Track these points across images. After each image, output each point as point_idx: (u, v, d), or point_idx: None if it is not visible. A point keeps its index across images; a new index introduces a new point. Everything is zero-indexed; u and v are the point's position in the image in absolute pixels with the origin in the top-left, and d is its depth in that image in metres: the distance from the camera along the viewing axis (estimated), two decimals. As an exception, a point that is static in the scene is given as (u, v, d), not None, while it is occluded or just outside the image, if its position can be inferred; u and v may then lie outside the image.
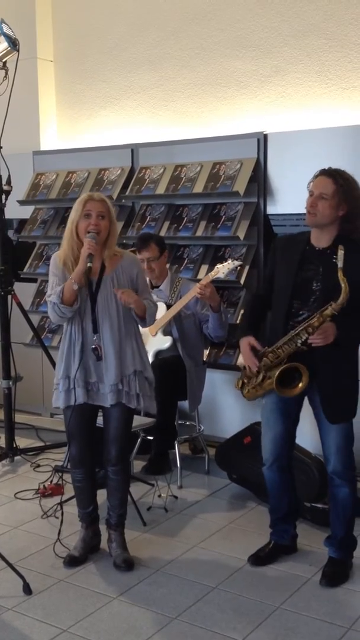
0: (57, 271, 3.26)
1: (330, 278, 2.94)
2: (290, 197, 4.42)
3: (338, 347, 2.97)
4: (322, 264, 3.03)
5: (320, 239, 3.08)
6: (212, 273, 4.14)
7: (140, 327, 3.36)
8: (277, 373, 3.05)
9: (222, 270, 4.11)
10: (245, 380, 3.26)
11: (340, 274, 2.88)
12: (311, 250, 3.09)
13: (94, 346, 3.20)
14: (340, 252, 2.88)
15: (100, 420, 3.37)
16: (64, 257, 3.24)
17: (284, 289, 3.11)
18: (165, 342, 4.31)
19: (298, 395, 3.13)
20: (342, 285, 2.87)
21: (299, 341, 3.00)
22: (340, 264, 2.87)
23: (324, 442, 3.15)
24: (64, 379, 3.25)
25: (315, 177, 3.08)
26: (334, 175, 3.03)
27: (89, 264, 3.10)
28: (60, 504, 3.62)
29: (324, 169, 3.08)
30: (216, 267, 4.17)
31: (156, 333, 4.29)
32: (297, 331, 3.00)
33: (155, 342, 4.33)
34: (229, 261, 4.15)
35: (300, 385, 3.05)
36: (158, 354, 4.35)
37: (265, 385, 3.14)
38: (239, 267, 4.31)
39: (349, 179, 3.04)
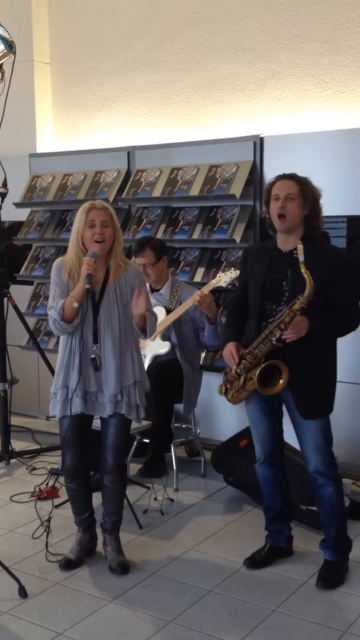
0: (59, 281, 3.23)
1: (299, 276, 3.00)
2: (286, 200, 4.42)
3: (309, 343, 3.02)
4: (290, 266, 3.11)
5: (287, 243, 3.16)
6: (214, 281, 4.15)
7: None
8: (257, 373, 3.09)
9: (224, 279, 4.12)
10: (228, 385, 3.29)
11: (302, 268, 2.96)
12: (279, 254, 3.19)
13: (93, 356, 3.19)
14: (300, 247, 2.98)
15: (96, 423, 3.37)
16: (70, 267, 3.21)
17: (256, 293, 3.19)
18: (163, 347, 4.32)
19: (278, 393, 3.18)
20: (306, 277, 2.95)
21: (274, 339, 3.06)
22: (301, 258, 2.96)
23: (301, 442, 3.19)
24: (63, 388, 3.22)
25: (272, 183, 3.17)
26: (294, 177, 3.14)
27: (87, 286, 3.09)
28: (49, 519, 3.57)
29: (279, 175, 3.19)
30: (218, 275, 4.18)
31: (155, 337, 4.29)
32: (270, 329, 3.07)
33: (154, 346, 4.33)
34: (232, 270, 4.16)
35: (281, 382, 3.09)
36: (155, 358, 4.35)
37: (248, 387, 3.17)
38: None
39: (307, 180, 3.15)
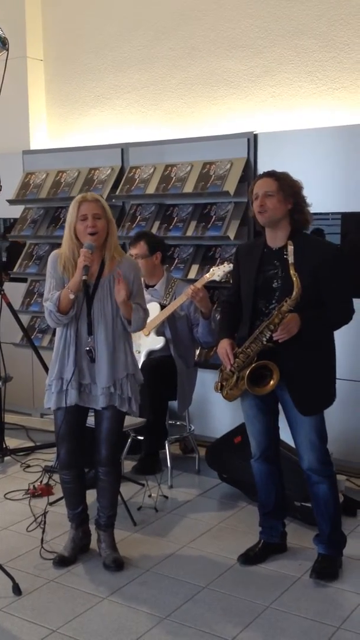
0: (55, 273, 3.24)
1: (289, 275, 3.01)
2: (280, 197, 4.42)
3: (303, 339, 3.03)
4: (280, 263, 3.12)
5: (275, 239, 3.17)
6: (207, 275, 4.15)
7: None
8: (247, 373, 3.11)
9: (217, 272, 4.12)
10: (224, 383, 3.30)
11: (291, 270, 2.97)
12: (269, 252, 3.19)
13: (88, 348, 3.19)
14: (290, 248, 2.98)
15: (90, 421, 3.37)
16: (64, 260, 3.22)
17: (248, 291, 3.21)
18: (158, 342, 4.32)
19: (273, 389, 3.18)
20: (294, 280, 2.96)
21: (264, 339, 3.07)
22: (290, 259, 2.97)
23: (296, 440, 3.20)
24: (57, 380, 3.24)
25: (253, 184, 3.21)
26: (272, 174, 3.17)
27: (84, 277, 3.09)
28: (44, 514, 3.55)
29: (259, 174, 3.22)
30: (211, 269, 4.18)
31: (149, 333, 4.29)
32: (260, 329, 3.08)
33: (148, 342, 4.34)
34: (225, 264, 4.16)
35: (271, 382, 3.10)
36: (150, 354, 4.35)
37: (240, 386, 3.19)
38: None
39: (286, 175, 3.18)
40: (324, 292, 3.08)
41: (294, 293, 2.98)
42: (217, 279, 4.13)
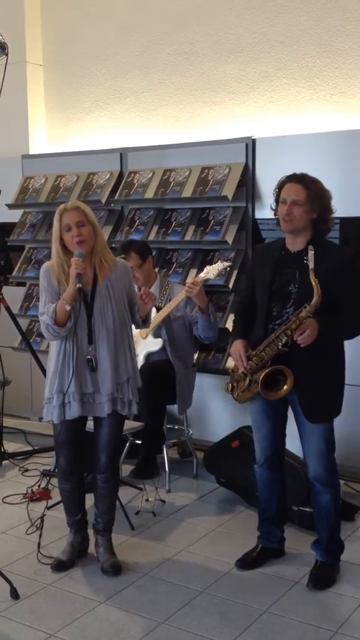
0: (48, 287, 3.21)
1: (307, 279, 2.98)
2: (278, 202, 4.44)
3: (317, 345, 3.00)
4: (297, 267, 3.09)
5: (295, 243, 3.14)
6: (202, 274, 4.16)
7: (131, 331, 3.36)
8: (261, 377, 3.08)
9: (212, 271, 4.13)
10: (235, 384, 3.27)
11: (311, 275, 2.94)
12: (287, 255, 3.16)
13: (89, 357, 3.18)
14: (311, 253, 2.95)
15: (89, 425, 3.37)
16: (56, 274, 3.19)
17: (263, 294, 3.17)
18: (155, 344, 4.32)
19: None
20: (314, 286, 2.93)
21: (280, 344, 3.05)
22: (311, 265, 2.94)
23: (304, 445, 3.18)
24: (59, 393, 3.19)
25: (282, 183, 3.14)
26: (303, 180, 3.09)
27: (78, 285, 3.07)
28: (42, 517, 3.55)
29: (290, 175, 3.14)
30: (205, 268, 4.19)
31: (146, 335, 4.30)
32: (277, 334, 3.05)
33: (146, 344, 4.35)
34: (218, 262, 4.18)
35: (285, 387, 3.08)
36: (148, 356, 4.36)
37: (253, 389, 3.16)
38: (228, 268, 4.32)
39: (316, 182, 3.11)
40: (340, 295, 3.03)
41: (314, 300, 2.94)
42: (212, 277, 4.13)
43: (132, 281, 3.34)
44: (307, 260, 2.97)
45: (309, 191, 3.05)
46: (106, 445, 3.28)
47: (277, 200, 3.15)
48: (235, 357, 3.21)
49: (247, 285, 3.42)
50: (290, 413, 3.27)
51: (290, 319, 3.02)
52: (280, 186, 3.14)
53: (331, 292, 3.00)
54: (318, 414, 3.11)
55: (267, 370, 3.08)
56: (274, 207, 3.18)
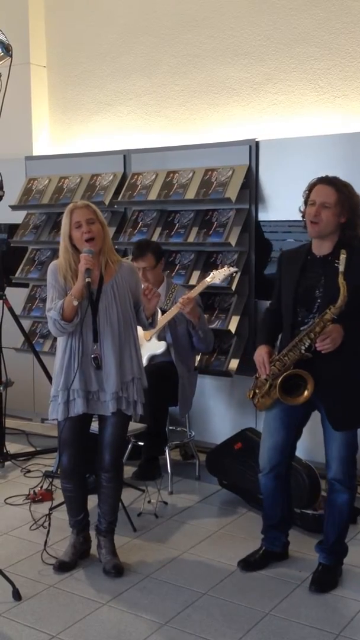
0: (56, 284, 3.24)
1: (333, 284, 2.94)
2: (281, 204, 4.44)
3: (341, 351, 2.95)
4: (324, 271, 3.04)
5: (321, 247, 3.08)
6: (208, 279, 4.16)
7: (136, 332, 3.36)
8: (279, 380, 3.04)
9: (218, 276, 4.13)
10: (257, 390, 3.23)
11: (340, 278, 2.89)
12: (313, 259, 3.10)
13: (94, 355, 3.19)
14: (343, 257, 2.89)
15: (94, 427, 3.37)
16: (63, 271, 3.22)
17: (288, 298, 3.12)
18: (159, 347, 4.33)
19: (305, 407, 3.12)
20: (341, 288, 2.88)
21: (303, 348, 3.00)
22: (341, 267, 2.88)
23: (327, 448, 3.14)
24: (64, 390, 3.21)
25: (313, 185, 3.08)
26: (335, 183, 3.03)
27: (87, 279, 3.09)
28: (49, 514, 3.57)
29: (321, 177, 3.08)
30: (212, 273, 4.18)
31: (150, 338, 4.30)
32: (300, 337, 3.01)
33: (150, 347, 4.35)
34: (225, 267, 4.17)
35: (305, 393, 3.03)
36: (152, 359, 4.36)
37: (272, 394, 3.12)
38: (234, 274, 4.33)
39: (347, 186, 3.06)
40: None
41: (339, 301, 2.89)
42: (218, 282, 4.13)
43: (138, 282, 3.34)
44: (337, 263, 2.90)
45: (340, 194, 3.00)
46: (110, 443, 3.29)
47: (306, 202, 3.09)
48: (258, 363, 3.17)
49: (274, 292, 3.33)
50: (314, 418, 3.22)
51: (314, 321, 2.98)
52: (310, 188, 3.08)
53: (357, 298, 2.93)
54: (343, 422, 3.06)
55: (285, 374, 3.03)
56: (302, 209, 3.12)
